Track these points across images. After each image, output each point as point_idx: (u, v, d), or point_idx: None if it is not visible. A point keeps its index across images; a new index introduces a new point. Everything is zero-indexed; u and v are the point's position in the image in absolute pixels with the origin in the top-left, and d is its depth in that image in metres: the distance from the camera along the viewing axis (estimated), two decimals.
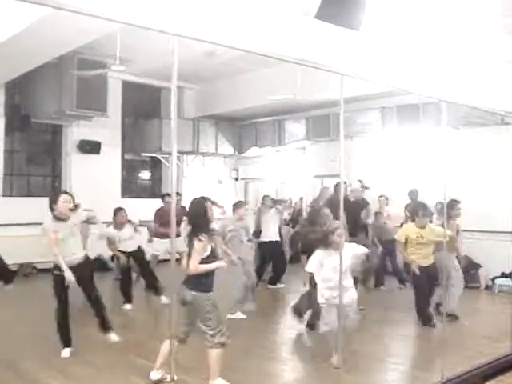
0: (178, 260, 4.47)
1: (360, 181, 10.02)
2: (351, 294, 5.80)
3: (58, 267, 6.09)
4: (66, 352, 6.15)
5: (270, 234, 10.54)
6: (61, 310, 6.17)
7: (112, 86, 12.41)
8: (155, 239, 10.67)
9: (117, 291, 9.01)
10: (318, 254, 5.87)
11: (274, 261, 10.77)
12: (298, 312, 7.41)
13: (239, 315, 8.15)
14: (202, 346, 5.13)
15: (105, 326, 6.50)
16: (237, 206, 8.55)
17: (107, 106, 11.91)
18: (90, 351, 6.29)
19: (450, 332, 6.96)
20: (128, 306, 8.71)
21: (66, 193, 6.36)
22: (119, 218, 8.91)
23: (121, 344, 6.48)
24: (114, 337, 6.52)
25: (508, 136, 10.08)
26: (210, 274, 5.17)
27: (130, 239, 9.06)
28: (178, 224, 10.36)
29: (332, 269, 5.58)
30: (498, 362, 6.01)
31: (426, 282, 7.47)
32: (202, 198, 5.59)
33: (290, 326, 7.50)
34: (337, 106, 4.84)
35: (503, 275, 10.26)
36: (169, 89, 3.79)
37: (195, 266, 5.03)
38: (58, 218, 6.12)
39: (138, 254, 9.13)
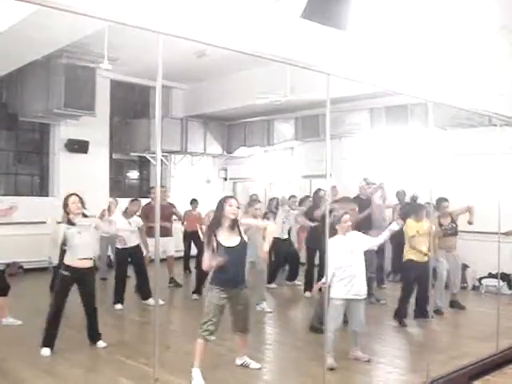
0: None
1: (365, 179, 10.14)
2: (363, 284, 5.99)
3: (67, 267, 6.17)
4: (46, 351, 6.07)
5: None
6: (57, 309, 6.16)
7: (100, 85, 12.34)
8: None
9: (104, 290, 8.98)
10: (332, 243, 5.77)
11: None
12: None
13: (266, 308, 8.49)
14: (188, 347, 5.13)
15: (96, 336, 6.47)
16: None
17: (95, 105, 11.86)
18: (76, 351, 6.24)
19: (436, 332, 7.02)
20: (119, 306, 8.60)
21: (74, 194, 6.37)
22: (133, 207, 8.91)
23: (109, 345, 6.46)
24: (101, 344, 6.46)
25: (495, 137, 10.12)
26: (221, 270, 5.28)
27: (133, 233, 8.84)
28: (167, 220, 10.43)
29: (348, 252, 5.88)
30: (483, 362, 6.05)
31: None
32: None
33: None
34: (325, 107, 4.83)
35: (490, 275, 10.31)
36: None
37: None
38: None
39: (137, 251, 8.89)
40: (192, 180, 15.34)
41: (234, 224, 5.29)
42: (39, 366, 5.77)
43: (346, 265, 5.84)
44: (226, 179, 16.42)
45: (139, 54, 10.85)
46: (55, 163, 13.18)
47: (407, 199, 11.24)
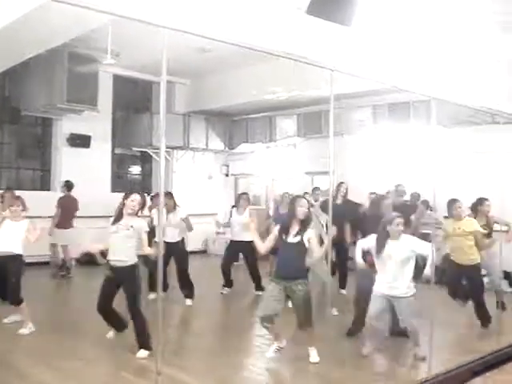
0: None
1: (398, 185, 10.17)
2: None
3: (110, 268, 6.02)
4: (111, 334, 6.39)
5: None
6: (101, 307, 6.08)
7: (103, 80, 12.37)
8: (56, 230, 10.72)
9: None
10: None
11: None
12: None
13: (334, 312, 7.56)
14: (196, 345, 5.12)
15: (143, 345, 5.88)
16: None
17: (98, 99, 11.89)
18: (78, 345, 6.26)
19: (438, 329, 7.01)
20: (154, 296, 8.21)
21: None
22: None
23: (110, 338, 6.47)
24: (142, 353, 5.83)
25: (498, 135, 10.12)
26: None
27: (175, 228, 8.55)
28: (72, 216, 10.90)
29: (386, 256, 5.71)
30: (486, 359, 6.04)
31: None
32: None
33: None
34: (328, 103, 4.83)
35: None
36: (160, 83, 3.78)
37: None
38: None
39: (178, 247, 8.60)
40: (194, 176, 15.35)
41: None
42: (42, 359, 5.76)
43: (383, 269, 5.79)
44: (227, 175, 16.41)
45: (142, 49, 10.82)
46: (57, 157, 13.20)
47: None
